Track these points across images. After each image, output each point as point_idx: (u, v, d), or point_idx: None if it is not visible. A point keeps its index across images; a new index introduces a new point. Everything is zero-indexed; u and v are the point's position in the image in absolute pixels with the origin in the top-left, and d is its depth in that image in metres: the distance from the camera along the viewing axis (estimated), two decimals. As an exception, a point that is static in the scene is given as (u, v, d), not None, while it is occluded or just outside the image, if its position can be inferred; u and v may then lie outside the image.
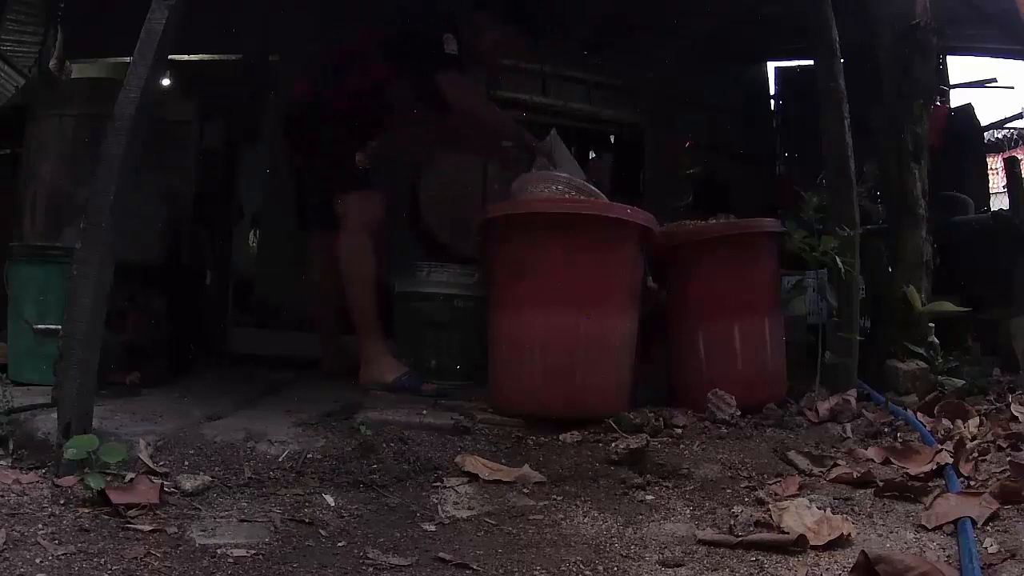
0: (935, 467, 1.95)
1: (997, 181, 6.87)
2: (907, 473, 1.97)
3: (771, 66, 5.83)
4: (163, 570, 1.39)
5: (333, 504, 1.79)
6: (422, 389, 2.79)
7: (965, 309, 3.15)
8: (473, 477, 1.98)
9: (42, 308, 2.55)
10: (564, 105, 5.11)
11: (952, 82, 5.42)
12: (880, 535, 1.61)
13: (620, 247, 2.55)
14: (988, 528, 1.58)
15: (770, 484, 1.95)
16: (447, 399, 2.64)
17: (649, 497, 1.91)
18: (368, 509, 1.79)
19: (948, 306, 3.08)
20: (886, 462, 2.09)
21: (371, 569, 1.47)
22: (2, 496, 1.64)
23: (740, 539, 1.58)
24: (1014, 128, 7.90)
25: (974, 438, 2.21)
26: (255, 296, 4.64)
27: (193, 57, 4.64)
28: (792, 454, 2.17)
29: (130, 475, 1.74)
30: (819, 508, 1.69)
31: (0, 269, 2.69)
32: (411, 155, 3.88)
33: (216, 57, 4.75)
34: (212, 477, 1.83)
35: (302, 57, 3.50)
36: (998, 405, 2.60)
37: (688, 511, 1.82)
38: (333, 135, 2.94)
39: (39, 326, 2.54)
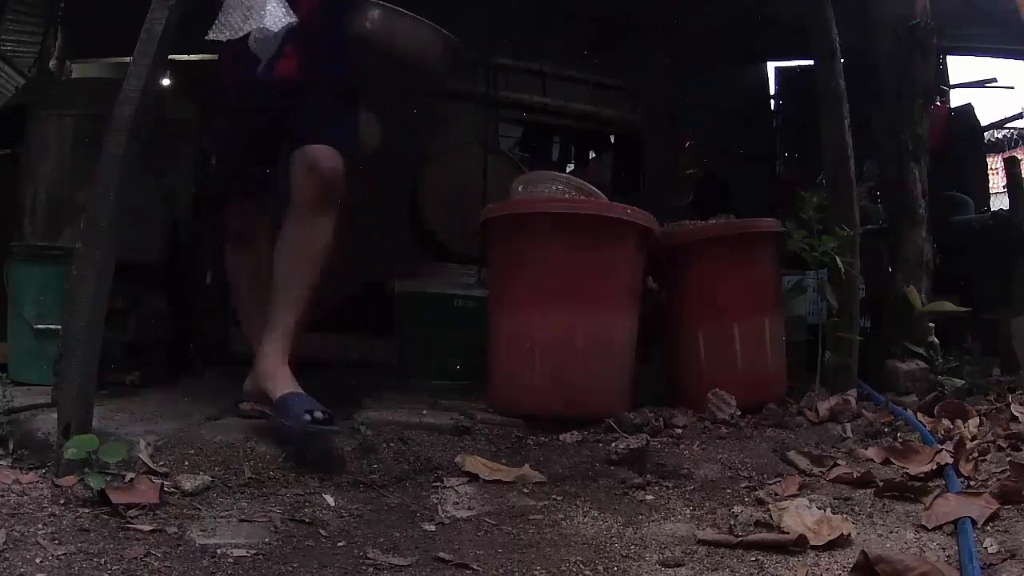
0: (935, 467, 1.95)
1: (997, 181, 6.86)
2: (907, 473, 1.97)
3: (771, 66, 5.83)
4: (163, 570, 1.39)
5: (333, 504, 1.79)
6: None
7: (965, 309, 3.15)
8: (473, 477, 1.98)
9: (42, 308, 2.55)
10: (564, 105, 5.10)
11: (952, 82, 5.42)
12: (880, 535, 1.61)
13: (620, 247, 2.55)
14: (988, 528, 1.58)
15: (770, 484, 1.95)
16: (447, 399, 2.64)
17: (649, 497, 1.91)
18: (368, 509, 1.79)
19: (948, 306, 3.08)
20: (886, 462, 2.09)
21: (371, 569, 1.46)
22: (2, 496, 1.64)
23: (740, 539, 1.58)
24: (1014, 128, 7.90)
25: (974, 438, 2.21)
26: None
27: (193, 57, 4.64)
28: (792, 454, 2.17)
29: (130, 475, 1.74)
30: (819, 508, 1.69)
31: (0, 269, 2.69)
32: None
33: (216, 57, 4.74)
34: (212, 477, 1.83)
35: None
36: (998, 405, 2.61)
37: (688, 511, 1.82)
38: None
39: (39, 326, 2.54)
